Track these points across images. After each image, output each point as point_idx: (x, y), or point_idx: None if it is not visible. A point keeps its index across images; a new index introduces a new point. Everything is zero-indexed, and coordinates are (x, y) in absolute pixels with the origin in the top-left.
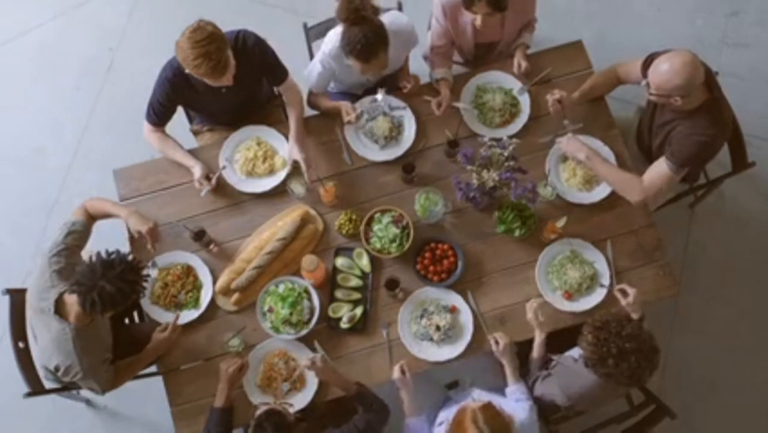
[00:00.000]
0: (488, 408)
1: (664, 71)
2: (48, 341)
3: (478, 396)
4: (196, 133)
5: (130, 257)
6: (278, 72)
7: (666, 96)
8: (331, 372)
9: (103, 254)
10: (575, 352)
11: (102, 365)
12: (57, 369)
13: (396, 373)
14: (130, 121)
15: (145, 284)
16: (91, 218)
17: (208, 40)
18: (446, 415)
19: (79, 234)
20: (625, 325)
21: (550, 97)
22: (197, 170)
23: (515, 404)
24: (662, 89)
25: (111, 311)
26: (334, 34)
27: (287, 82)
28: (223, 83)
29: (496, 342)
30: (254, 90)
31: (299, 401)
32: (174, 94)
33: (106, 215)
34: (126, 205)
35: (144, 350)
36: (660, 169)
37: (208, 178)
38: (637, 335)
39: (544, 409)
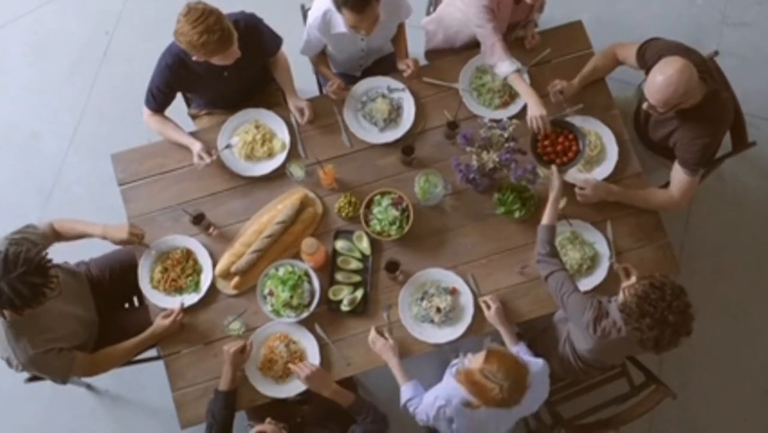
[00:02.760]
0: (490, 358)
1: (663, 85)
2: None
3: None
4: (194, 116)
5: (39, 256)
6: (275, 44)
7: (676, 105)
8: (323, 382)
9: (11, 250)
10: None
11: (46, 355)
12: (7, 361)
13: (379, 343)
14: (127, 105)
15: (51, 286)
16: (56, 235)
17: (204, 16)
18: (461, 360)
19: (30, 234)
20: (679, 297)
21: (552, 89)
22: (196, 145)
23: (530, 358)
24: (669, 103)
25: (18, 310)
26: (317, 6)
27: (281, 52)
28: (232, 58)
29: (488, 306)
30: (255, 73)
31: (301, 383)
32: (174, 80)
33: (78, 236)
34: (95, 223)
35: (144, 333)
36: (681, 178)
37: (209, 153)
38: (683, 311)
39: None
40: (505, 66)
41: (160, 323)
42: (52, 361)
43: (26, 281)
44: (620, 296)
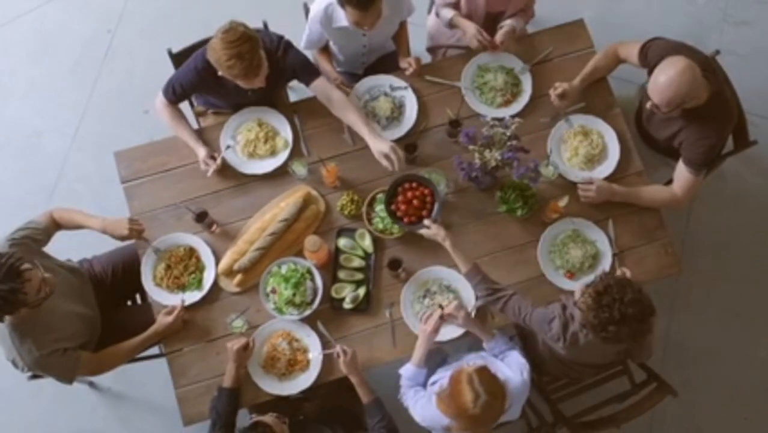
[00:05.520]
0: (483, 371)
1: (666, 86)
2: None
3: (474, 360)
4: (199, 114)
5: (8, 262)
6: (308, 73)
7: (679, 105)
8: (358, 369)
9: None
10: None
11: (51, 356)
12: (13, 363)
13: (430, 326)
14: (129, 104)
15: (26, 291)
16: (56, 225)
17: (240, 41)
18: (440, 376)
19: (32, 232)
20: (627, 289)
21: (553, 92)
22: (201, 151)
23: (508, 370)
24: (673, 102)
25: None
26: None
27: (320, 81)
28: (256, 85)
29: (454, 317)
30: (279, 89)
31: (304, 381)
32: (198, 84)
33: (77, 226)
34: (95, 216)
35: (147, 331)
36: (686, 177)
37: (213, 158)
38: (638, 299)
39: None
40: (444, 10)
41: (162, 320)
42: (57, 362)
43: None
44: (576, 296)
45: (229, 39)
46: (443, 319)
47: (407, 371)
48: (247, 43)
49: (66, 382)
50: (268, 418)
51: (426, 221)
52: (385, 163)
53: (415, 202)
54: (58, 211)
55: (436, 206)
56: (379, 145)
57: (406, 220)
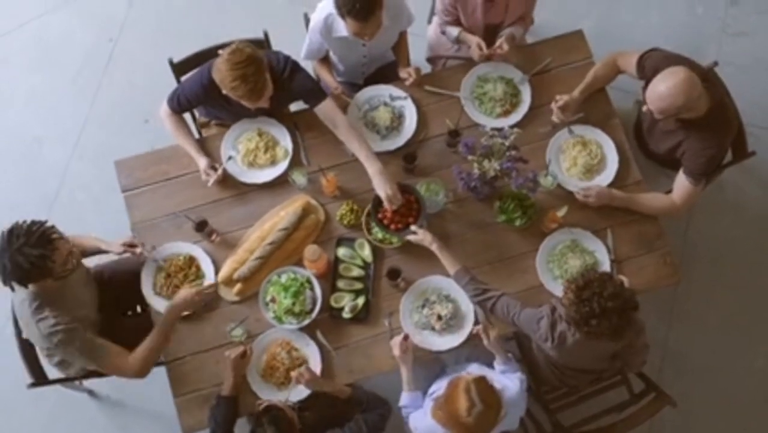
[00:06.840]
0: (482, 381)
1: (662, 95)
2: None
3: (473, 370)
4: (202, 125)
5: (41, 229)
6: (315, 95)
7: (673, 115)
8: (320, 381)
9: (16, 224)
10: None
11: (70, 332)
12: (28, 342)
13: (397, 351)
14: (130, 113)
15: (54, 258)
16: None
17: (245, 63)
18: (439, 386)
19: None
20: (608, 284)
21: (555, 105)
22: (202, 162)
23: (506, 379)
24: (666, 111)
25: (23, 283)
26: (320, 10)
27: (325, 105)
28: (260, 105)
29: (486, 335)
30: (283, 108)
31: (302, 390)
32: (203, 98)
33: (88, 250)
34: (103, 239)
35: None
36: (685, 186)
37: (214, 168)
38: (619, 293)
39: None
40: (450, 28)
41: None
42: (77, 338)
43: (24, 253)
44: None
45: (235, 60)
46: (407, 340)
47: (404, 399)
48: (253, 65)
49: (89, 364)
50: (279, 402)
51: (413, 227)
52: (387, 203)
53: (401, 209)
54: (71, 238)
55: (421, 212)
56: (380, 187)
57: (393, 227)
